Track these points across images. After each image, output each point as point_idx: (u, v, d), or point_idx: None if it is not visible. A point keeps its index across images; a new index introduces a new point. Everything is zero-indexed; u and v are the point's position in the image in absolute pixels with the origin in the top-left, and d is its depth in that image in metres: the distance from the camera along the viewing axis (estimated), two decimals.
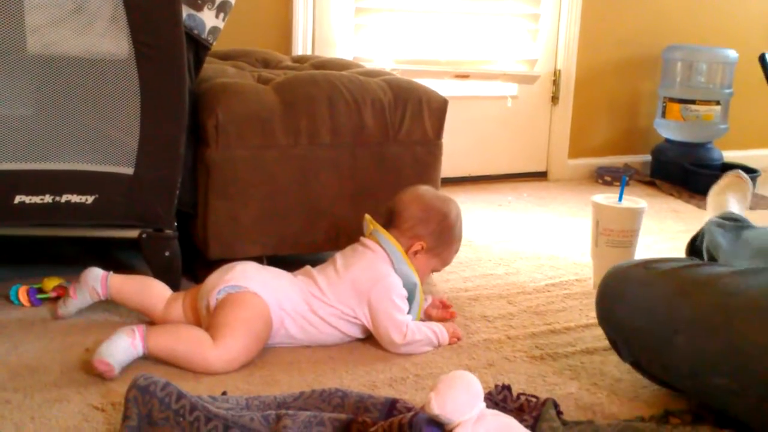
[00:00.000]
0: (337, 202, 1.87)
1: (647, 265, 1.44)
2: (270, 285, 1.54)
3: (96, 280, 1.60)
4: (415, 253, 1.64)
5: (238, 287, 1.51)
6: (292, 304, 1.54)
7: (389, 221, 1.66)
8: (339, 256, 1.64)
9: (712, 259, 1.87)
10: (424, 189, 1.71)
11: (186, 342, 1.45)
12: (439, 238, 1.66)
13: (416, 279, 1.62)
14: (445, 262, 1.71)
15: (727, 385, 1.24)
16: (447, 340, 1.62)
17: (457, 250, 1.73)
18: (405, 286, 1.60)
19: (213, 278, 1.56)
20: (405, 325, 1.56)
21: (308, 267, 1.64)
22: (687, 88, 3.22)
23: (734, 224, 1.85)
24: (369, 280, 1.57)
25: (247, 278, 1.53)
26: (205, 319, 1.53)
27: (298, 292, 1.56)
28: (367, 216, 1.67)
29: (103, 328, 1.58)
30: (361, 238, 1.66)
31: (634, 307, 1.39)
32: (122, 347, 1.40)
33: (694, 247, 1.99)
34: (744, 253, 1.72)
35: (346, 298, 1.57)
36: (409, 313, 1.60)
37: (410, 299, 1.61)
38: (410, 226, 1.64)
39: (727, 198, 2.10)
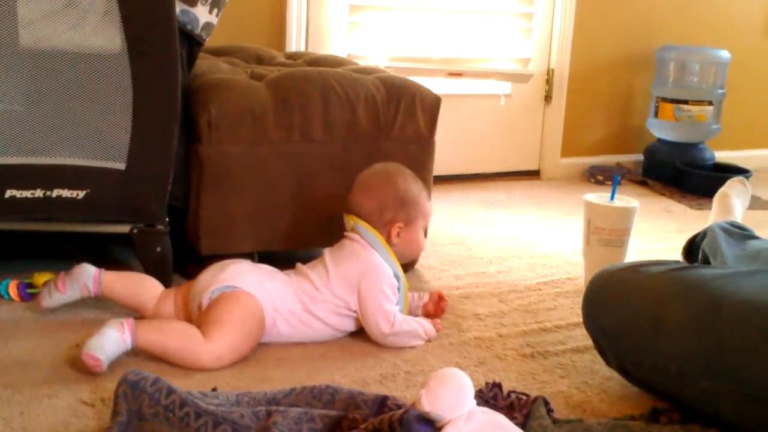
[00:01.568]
0: (329, 197, 1.86)
1: (636, 268, 1.44)
2: (264, 285, 1.54)
3: (89, 277, 1.58)
4: (398, 234, 1.64)
5: (232, 287, 1.51)
6: (285, 303, 1.54)
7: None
8: (327, 253, 1.64)
9: (706, 259, 1.88)
10: (364, 176, 1.69)
11: (176, 337, 1.44)
12: (405, 206, 1.65)
13: (399, 269, 1.63)
14: (426, 215, 1.71)
15: (714, 386, 1.25)
16: (434, 334, 1.63)
17: (428, 198, 1.72)
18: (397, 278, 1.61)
19: (206, 277, 1.55)
20: (393, 315, 1.57)
21: (299, 265, 1.64)
22: (680, 88, 3.23)
23: (740, 233, 1.86)
24: (359, 270, 1.58)
25: (240, 278, 1.53)
26: (197, 318, 1.52)
27: (291, 291, 1.56)
28: (345, 213, 1.67)
29: (94, 324, 1.57)
30: (346, 233, 1.66)
31: (622, 310, 1.39)
32: (111, 341, 1.39)
33: (694, 244, 2.00)
34: (748, 263, 1.72)
35: (338, 291, 1.57)
36: (396, 304, 1.60)
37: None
38: (376, 218, 1.63)
39: (731, 200, 2.11)
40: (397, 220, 1.64)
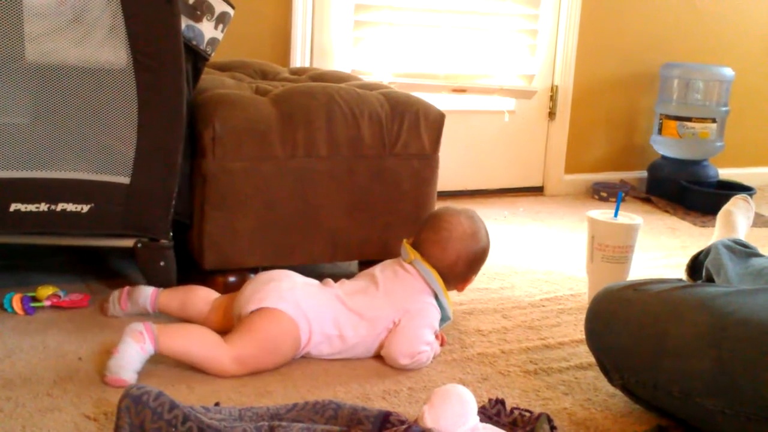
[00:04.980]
0: (333, 213, 1.87)
1: (637, 287, 1.44)
2: (301, 306, 1.52)
3: (146, 298, 1.68)
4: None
5: (268, 307, 1.51)
6: (321, 326, 1.53)
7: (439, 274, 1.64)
8: (379, 275, 1.63)
9: (710, 277, 1.88)
10: (460, 236, 1.66)
11: (197, 343, 1.46)
12: (480, 265, 1.71)
13: (450, 309, 1.66)
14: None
15: (717, 406, 1.24)
16: (439, 351, 1.63)
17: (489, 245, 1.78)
18: (443, 319, 1.64)
19: (247, 293, 1.55)
20: (418, 354, 1.56)
21: (343, 282, 1.64)
22: (683, 105, 3.24)
23: (744, 250, 1.86)
24: (412, 300, 1.59)
25: (280, 298, 1.52)
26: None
27: (331, 314, 1.55)
28: (406, 243, 1.67)
29: (97, 337, 1.58)
30: (403, 263, 1.65)
31: (623, 329, 1.39)
32: (132, 356, 1.40)
33: (697, 261, 2.00)
34: (752, 281, 1.72)
35: (383, 317, 1.57)
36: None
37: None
38: (462, 278, 1.68)
39: (735, 218, 2.11)
40: (474, 274, 1.71)
